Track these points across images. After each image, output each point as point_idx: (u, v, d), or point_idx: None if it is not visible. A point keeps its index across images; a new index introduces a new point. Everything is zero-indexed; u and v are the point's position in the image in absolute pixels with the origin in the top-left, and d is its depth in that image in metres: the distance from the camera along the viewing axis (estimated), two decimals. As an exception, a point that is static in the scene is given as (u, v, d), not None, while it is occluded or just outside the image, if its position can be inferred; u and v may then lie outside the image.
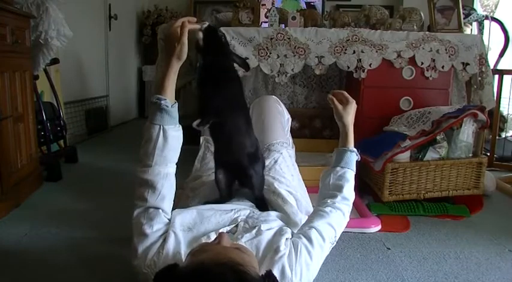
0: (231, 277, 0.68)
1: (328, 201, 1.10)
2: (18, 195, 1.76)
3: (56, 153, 2.30)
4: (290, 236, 0.99)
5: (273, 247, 0.93)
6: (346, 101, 1.20)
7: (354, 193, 1.15)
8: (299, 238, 0.98)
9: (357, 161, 1.20)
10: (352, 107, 1.19)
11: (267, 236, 0.97)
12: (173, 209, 1.13)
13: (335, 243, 1.05)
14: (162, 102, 0.99)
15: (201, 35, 1.13)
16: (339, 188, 1.12)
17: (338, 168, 1.16)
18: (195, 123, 1.11)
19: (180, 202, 1.34)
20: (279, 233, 0.98)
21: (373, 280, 1.19)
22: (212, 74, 1.14)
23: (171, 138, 1.01)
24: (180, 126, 1.07)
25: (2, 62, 1.64)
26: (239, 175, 1.23)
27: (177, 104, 1.04)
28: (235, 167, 1.21)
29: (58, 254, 1.32)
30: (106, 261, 1.27)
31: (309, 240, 0.97)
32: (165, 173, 1.01)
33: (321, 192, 1.18)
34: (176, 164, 1.05)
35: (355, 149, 1.19)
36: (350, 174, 1.16)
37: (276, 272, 0.87)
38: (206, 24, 1.13)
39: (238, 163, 1.19)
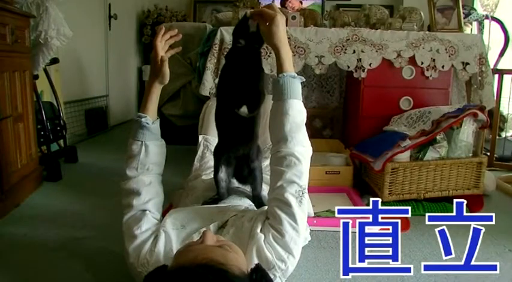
0: (210, 277, 0.68)
1: (274, 151, 1.00)
2: (18, 195, 1.76)
3: (55, 153, 2.29)
4: (263, 219, 0.97)
5: (251, 234, 0.93)
6: (269, 17, 1.00)
7: (299, 123, 0.99)
8: (267, 218, 0.96)
9: (302, 83, 1.02)
10: (277, 23, 0.99)
11: (248, 226, 0.96)
12: (173, 208, 1.14)
13: (305, 190, 0.97)
14: (143, 119, 1.07)
15: (252, 22, 1.07)
16: (280, 130, 0.98)
17: (276, 104, 1.00)
18: (243, 111, 1.11)
19: (180, 201, 1.34)
20: (257, 220, 0.97)
21: (373, 280, 1.19)
22: (247, 59, 1.11)
23: (153, 153, 1.08)
24: (163, 141, 1.13)
25: (1, 61, 1.64)
26: (243, 168, 1.23)
27: (158, 120, 1.11)
28: (243, 157, 1.21)
29: (58, 254, 1.31)
30: (106, 261, 1.27)
31: (273, 215, 0.95)
32: (148, 181, 1.08)
33: (270, 136, 1.06)
34: (162, 175, 1.14)
35: (293, 73, 1.00)
36: (290, 104, 0.98)
37: (256, 258, 0.88)
38: (248, 11, 1.09)
39: (247, 154, 1.20)
